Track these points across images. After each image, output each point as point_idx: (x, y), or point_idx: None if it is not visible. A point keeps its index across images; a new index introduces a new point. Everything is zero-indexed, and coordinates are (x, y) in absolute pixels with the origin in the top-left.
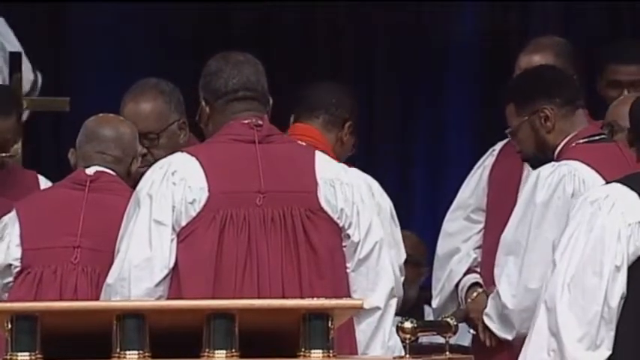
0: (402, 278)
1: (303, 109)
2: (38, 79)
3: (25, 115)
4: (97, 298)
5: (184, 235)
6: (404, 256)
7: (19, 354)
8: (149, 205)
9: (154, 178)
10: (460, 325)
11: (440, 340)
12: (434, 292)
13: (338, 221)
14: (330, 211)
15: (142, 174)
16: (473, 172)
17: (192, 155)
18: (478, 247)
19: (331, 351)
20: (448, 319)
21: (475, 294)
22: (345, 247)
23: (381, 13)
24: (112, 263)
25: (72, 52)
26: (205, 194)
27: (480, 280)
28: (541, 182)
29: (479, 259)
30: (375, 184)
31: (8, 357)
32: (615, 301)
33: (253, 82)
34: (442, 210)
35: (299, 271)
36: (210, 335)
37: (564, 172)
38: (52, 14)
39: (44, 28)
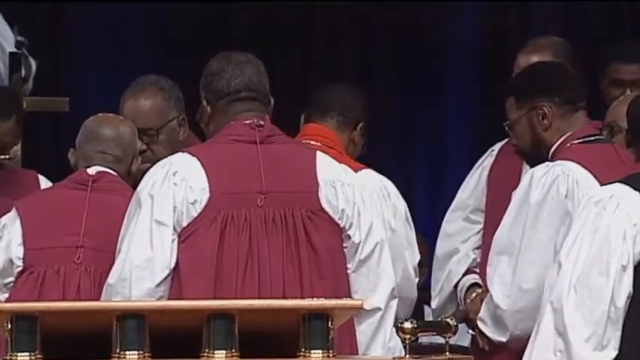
0: (417, 280)
1: (316, 110)
2: (32, 65)
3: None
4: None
5: (185, 236)
6: (418, 257)
7: (19, 354)
8: (150, 205)
9: (155, 179)
10: (460, 325)
11: (440, 340)
12: (433, 293)
13: (339, 222)
14: (331, 212)
15: (141, 171)
16: (472, 172)
17: (193, 156)
18: (477, 248)
19: (331, 351)
20: (448, 320)
21: (474, 294)
22: (345, 247)
23: (381, 13)
24: (114, 263)
25: (72, 52)
26: (206, 195)
27: (479, 281)
28: (535, 182)
29: (478, 260)
30: (391, 186)
31: (8, 357)
32: (622, 301)
33: (255, 82)
34: (442, 210)
35: (300, 271)
36: (210, 335)
37: (558, 173)
38: (52, 14)
39: (44, 28)
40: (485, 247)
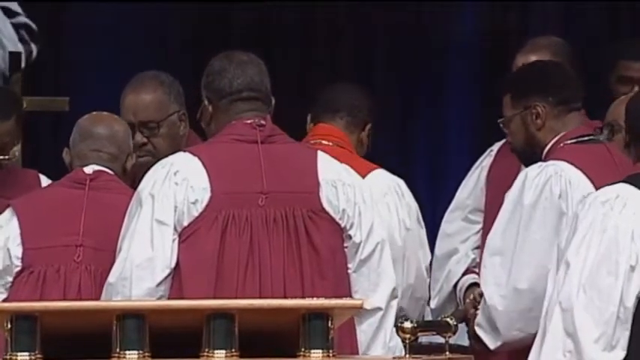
0: (429, 280)
1: (324, 110)
2: (33, 51)
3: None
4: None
5: (186, 235)
6: (429, 256)
7: (19, 354)
8: (151, 204)
9: (156, 178)
10: (460, 325)
11: (440, 340)
12: (432, 293)
13: (340, 222)
14: (331, 212)
15: (142, 164)
16: (471, 172)
17: (194, 155)
18: (476, 248)
19: (331, 351)
20: (448, 319)
21: (473, 294)
22: (346, 247)
23: (381, 13)
24: (114, 262)
25: (72, 52)
26: (208, 194)
27: (479, 281)
28: (528, 183)
29: (477, 260)
30: (404, 185)
31: (8, 357)
32: (631, 301)
33: (257, 82)
34: (442, 210)
35: (301, 271)
36: (210, 335)
37: (551, 173)
38: (52, 14)
39: (44, 28)
40: (484, 247)
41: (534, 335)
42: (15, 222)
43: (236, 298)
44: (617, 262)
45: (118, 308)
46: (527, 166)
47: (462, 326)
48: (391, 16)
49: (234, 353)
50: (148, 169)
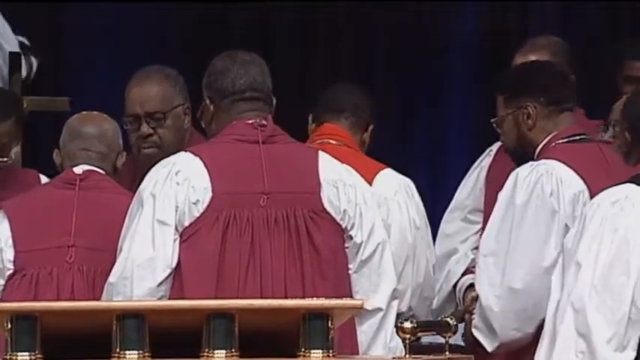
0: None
1: (327, 110)
2: (33, 64)
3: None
4: (94, 297)
5: (187, 236)
6: (435, 256)
7: (19, 354)
8: (152, 204)
9: (157, 178)
10: (460, 325)
11: (440, 340)
12: None
13: (341, 222)
14: (332, 212)
15: (147, 155)
16: (470, 172)
17: (196, 155)
18: (476, 248)
19: (331, 351)
20: (448, 319)
21: (473, 295)
22: (347, 248)
23: (381, 13)
24: (107, 261)
25: (72, 52)
26: (209, 194)
27: None
28: (520, 183)
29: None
30: (412, 185)
31: (8, 357)
32: None
33: (260, 82)
34: (442, 210)
35: (302, 272)
36: (210, 335)
37: (542, 172)
38: (52, 14)
39: (44, 28)
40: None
41: (531, 335)
42: (6, 224)
43: (237, 298)
44: (628, 262)
45: (118, 308)
46: (519, 165)
47: (462, 326)
48: (391, 16)
49: (234, 353)
50: (153, 161)
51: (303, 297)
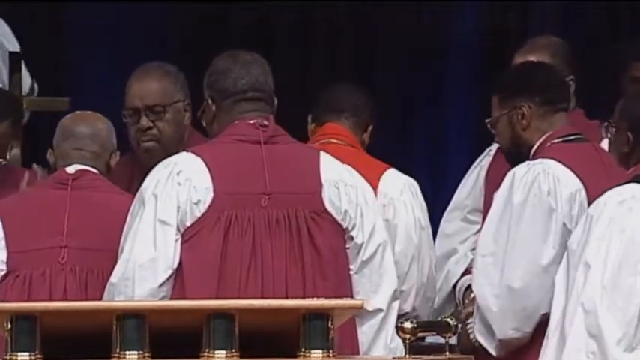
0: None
1: (328, 110)
2: (35, 85)
3: (25, 117)
4: (87, 298)
5: (189, 236)
6: (435, 256)
7: (19, 354)
8: (154, 204)
9: (159, 178)
10: (460, 325)
11: (440, 340)
12: None
13: (342, 223)
14: (334, 213)
15: (146, 149)
16: (469, 172)
17: (197, 155)
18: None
19: (331, 351)
20: (448, 319)
21: (473, 295)
22: (348, 248)
23: (381, 13)
24: (101, 261)
25: (72, 52)
26: (210, 195)
27: None
28: (517, 182)
29: None
30: (416, 184)
31: (8, 357)
32: None
33: (262, 82)
34: (442, 210)
35: (303, 272)
36: (210, 335)
37: (538, 171)
38: (52, 14)
39: (44, 28)
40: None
41: (529, 334)
42: None
43: (238, 298)
44: (636, 262)
45: (118, 308)
46: (513, 166)
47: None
48: (391, 16)
49: (234, 353)
50: (152, 155)
51: (304, 297)
